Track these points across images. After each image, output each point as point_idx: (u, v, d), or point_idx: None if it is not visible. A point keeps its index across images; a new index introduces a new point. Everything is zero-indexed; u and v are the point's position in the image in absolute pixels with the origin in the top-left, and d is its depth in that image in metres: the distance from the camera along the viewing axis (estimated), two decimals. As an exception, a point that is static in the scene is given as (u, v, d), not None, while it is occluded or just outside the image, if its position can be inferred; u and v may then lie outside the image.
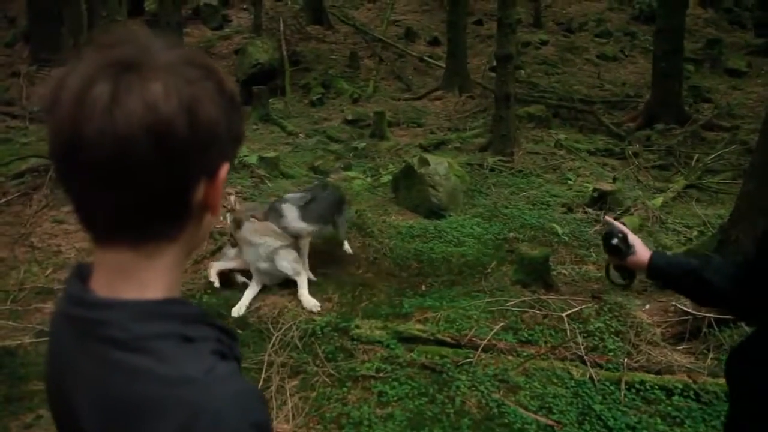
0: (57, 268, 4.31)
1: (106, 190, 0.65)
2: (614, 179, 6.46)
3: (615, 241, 1.60)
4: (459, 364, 3.21)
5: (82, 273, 0.74)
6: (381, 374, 3.15)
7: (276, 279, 4.06)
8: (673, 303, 3.67)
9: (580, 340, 3.37)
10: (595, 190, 5.67)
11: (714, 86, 11.04)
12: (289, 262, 4.01)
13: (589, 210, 5.50)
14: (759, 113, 9.04)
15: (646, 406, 2.98)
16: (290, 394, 3.02)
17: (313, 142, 8.02)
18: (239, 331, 3.55)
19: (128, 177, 0.64)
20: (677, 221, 5.43)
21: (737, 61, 12.34)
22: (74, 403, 0.71)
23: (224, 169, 0.71)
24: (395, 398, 2.99)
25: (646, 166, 7.33)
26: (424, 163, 5.64)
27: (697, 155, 7.40)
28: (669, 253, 2.73)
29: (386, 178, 6.34)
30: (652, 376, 3.15)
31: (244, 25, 13.61)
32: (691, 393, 3.02)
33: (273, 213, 4.16)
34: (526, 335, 3.49)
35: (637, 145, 8.02)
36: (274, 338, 3.45)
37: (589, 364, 3.21)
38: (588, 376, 3.13)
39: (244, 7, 14.77)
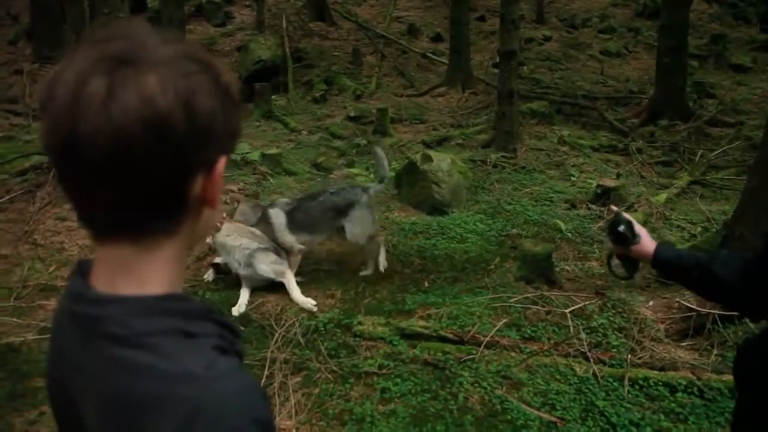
0: (60, 266, 4.32)
1: (104, 185, 0.64)
2: (618, 175, 6.44)
3: (622, 227, 1.58)
4: (462, 360, 3.21)
5: (83, 269, 0.74)
6: (384, 371, 3.15)
7: (262, 282, 3.96)
8: (677, 299, 3.66)
9: (583, 336, 3.36)
10: (598, 186, 5.66)
11: (718, 82, 10.98)
12: (268, 265, 3.90)
13: (593, 206, 5.49)
14: (763, 109, 9.01)
15: (649, 402, 2.98)
16: (293, 391, 3.02)
17: (315, 139, 8.01)
18: (242, 328, 3.55)
19: (125, 171, 0.63)
20: (681, 217, 5.42)
21: (742, 57, 12.26)
22: (77, 399, 0.71)
23: (222, 162, 0.71)
24: (398, 395, 2.99)
25: (650, 162, 7.30)
26: (427, 159, 5.63)
27: (701, 151, 7.37)
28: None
29: (389, 175, 6.32)
30: (656, 372, 3.14)
31: (247, 22, 13.58)
32: (695, 389, 3.01)
33: (263, 220, 4.10)
34: (529, 332, 3.48)
35: (641, 142, 7.98)
36: (276, 335, 3.45)
37: (592, 360, 3.20)
38: (591, 372, 3.12)
39: (247, 3, 14.75)
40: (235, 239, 3.90)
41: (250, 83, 9.43)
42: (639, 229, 1.59)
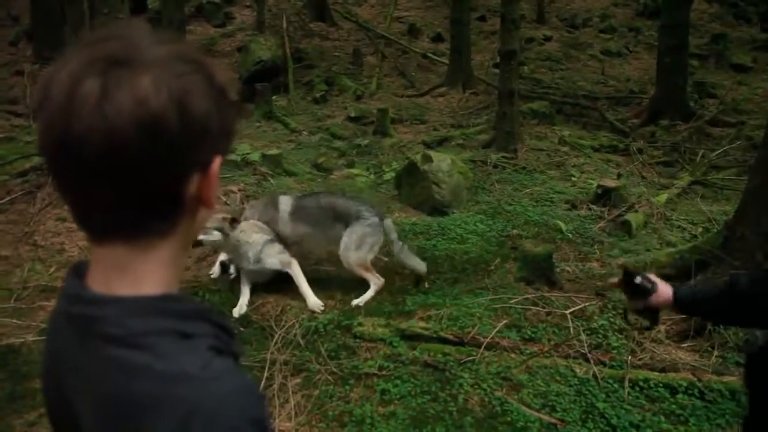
0: (60, 267, 4.32)
1: (99, 186, 0.64)
2: (618, 176, 6.43)
3: (639, 279, 1.53)
4: (462, 361, 3.20)
5: (79, 270, 0.74)
6: (384, 372, 3.14)
7: (266, 276, 4.01)
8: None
9: (583, 337, 3.35)
10: (599, 186, 5.65)
11: (719, 82, 10.97)
12: (275, 257, 3.94)
13: (593, 207, 5.48)
14: (765, 109, 9.01)
15: (650, 404, 2.97)
16: (293, 392, 3.02)
17: (316, 140, 8.02)
18: (242, 329, 3.56)
19: (120, 172, 0.63)
20: (682, 218, 5.41)
21: (742, 57, 12.25)
22: (73, 400, 0.71)
23: (217, 162, 0.71)
24: (398, 396, 2.98)
25: (651, 162, 7.29)
26: (428, 159, 5.63)
27: (702, 151, 7.37)
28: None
29: (389, 175, 6.34)
30: (656, 373, 3.13)
31: (247, 23, 13.59)
32: (696, 391, 3.00)
33: (271, 207, 4.13)
34: (529, 333, 3.47)
35: (642, 142, 7.98)
36: (276, 336, 3.45)
37: (592, 361, 3.19)
38: (591, 373, 3.12)
39: (247, 4, 14.76)
40: (250, 236, 3.91)
41: (251, 84, 9.43)
42: (652, 276, 1.55)
